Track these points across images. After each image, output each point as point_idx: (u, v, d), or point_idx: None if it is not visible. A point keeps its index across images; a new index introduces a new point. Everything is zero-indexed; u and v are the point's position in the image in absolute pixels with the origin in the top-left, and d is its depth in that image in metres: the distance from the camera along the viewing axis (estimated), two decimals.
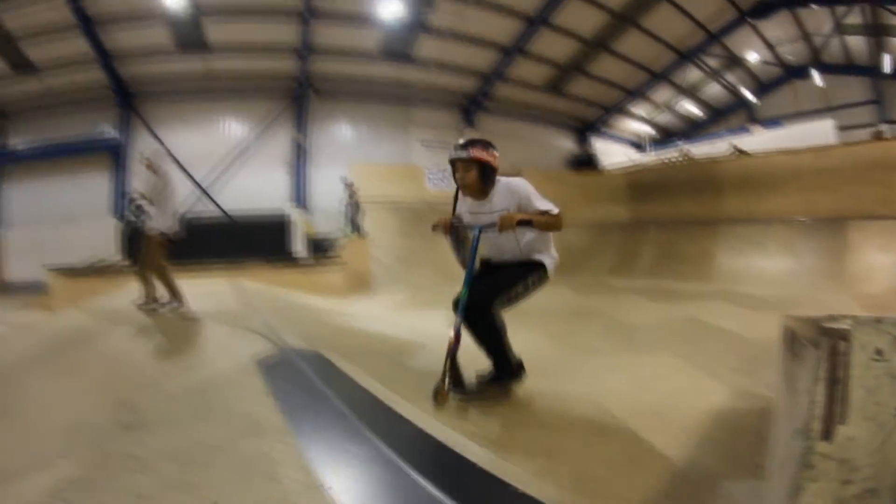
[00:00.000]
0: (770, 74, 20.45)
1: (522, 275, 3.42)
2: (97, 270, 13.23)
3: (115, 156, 16.35)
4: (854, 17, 16.06)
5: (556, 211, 3.36)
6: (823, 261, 8.84)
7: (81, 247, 14.45)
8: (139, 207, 7.22)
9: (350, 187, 12.95)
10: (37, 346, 5.62)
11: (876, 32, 16.34)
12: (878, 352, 1.16)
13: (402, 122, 16.96)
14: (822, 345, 1.19)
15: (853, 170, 9.43)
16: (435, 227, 3.66)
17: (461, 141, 3.31)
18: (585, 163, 19.28)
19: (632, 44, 17.23)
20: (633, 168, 15.92)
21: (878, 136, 12.79)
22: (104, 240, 15.22)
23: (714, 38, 17.87)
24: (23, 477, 2.51)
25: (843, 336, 1.16)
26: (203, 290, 7.92)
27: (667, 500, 2.26)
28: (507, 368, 3.40)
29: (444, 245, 12.02)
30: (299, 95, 16.22)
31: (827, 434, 1.15)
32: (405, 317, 7.84)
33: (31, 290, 13.62)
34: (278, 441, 2.47)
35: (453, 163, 3.30)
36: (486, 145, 3.30)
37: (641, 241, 12.29)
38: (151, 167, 6.13)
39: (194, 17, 14.11)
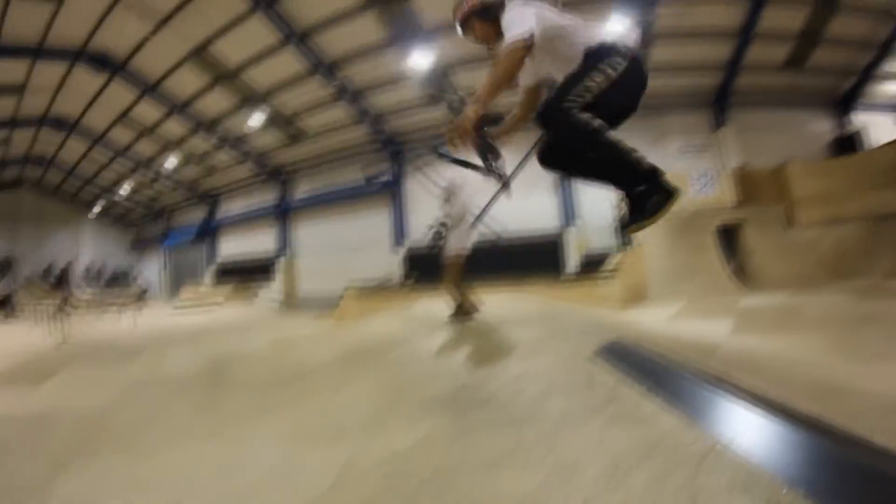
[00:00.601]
0: None
1: (575, 79, 2.76)
2: (384, 289, 16.71)
3: (391, 195, 20.65)
4: None
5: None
6: None
7: (363, 271, 18.58)
8: (437, 232, 7.73)
9: (619, 201, 13.09)
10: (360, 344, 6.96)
11: None
12: None
13: (655, 132, 17.08)
14: None
15: None
16: (457, 135, 2.80)
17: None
18: (850, 143, 17.26)
19: None
20: None
21: None
22: (385, 264, 19.21)
23: None
24: (392, 431, 3.34)
25: None
26: (494, 301, 8.99)
27: None
28: (641, 173, 2.81)
29: (712, 254, 12.38)
30: None
31: None
32: (688, 324, 8.26)
33: (320, 305, 17.74)
34: (643, 399, 2.96)
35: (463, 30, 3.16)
36: None
37: None
38: (448, 193, 7.52)
39: (442, 72, 16.78)
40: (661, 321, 9.01)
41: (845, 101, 18.56)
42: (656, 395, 3.08)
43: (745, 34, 15.43)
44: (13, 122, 22.10)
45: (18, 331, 13.29)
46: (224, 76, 18.35)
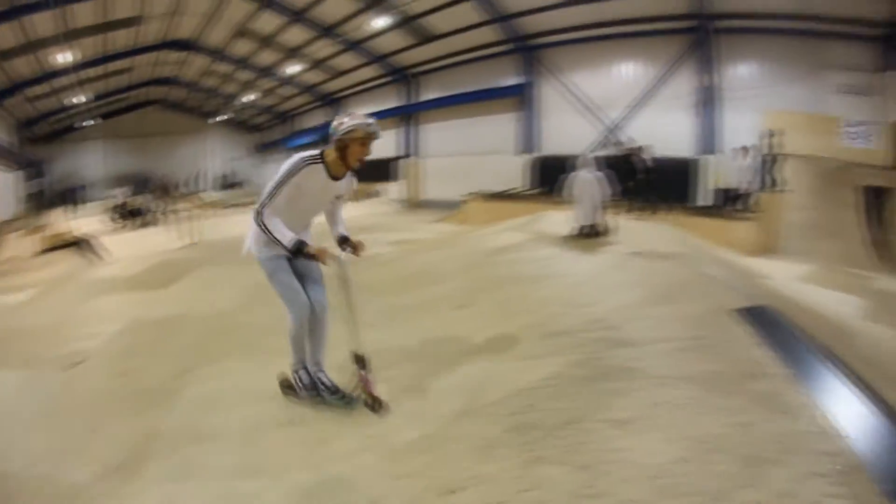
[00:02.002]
0: None
1: None
2: (509, 196, 16.59)
3: (521, 99, 19.69)
4: None
5: None
6: None
7: (489, 177, 18.37)
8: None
9: (770, 135, 12.06)
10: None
11: None
12: None
13: (814, 62, 14.48)
14: None
15: None
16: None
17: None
18: None
19: None
20: None
21: None
22: (512, 171, 18.84)
23: None
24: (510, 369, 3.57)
25: None
26: (631, 227, 9.04)
27: None
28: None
29: (858, 218, 11.21)
30: (700, 35, 15.94)
31: None
32: (819, 293, 7.67)
33: (446, 208, 17.94)
34: (790, 387, 2.88)
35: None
36: None
37: None
38: None
39: None
40: (792, 280, 8.50)
41: None
42: (802, 383, 2.98)
43: None
44: (136, 51, 23.30)
45: (153, 235, 14.51)
46: None
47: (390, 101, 25.74)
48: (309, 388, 3.48)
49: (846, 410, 2.80)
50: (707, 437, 2.47)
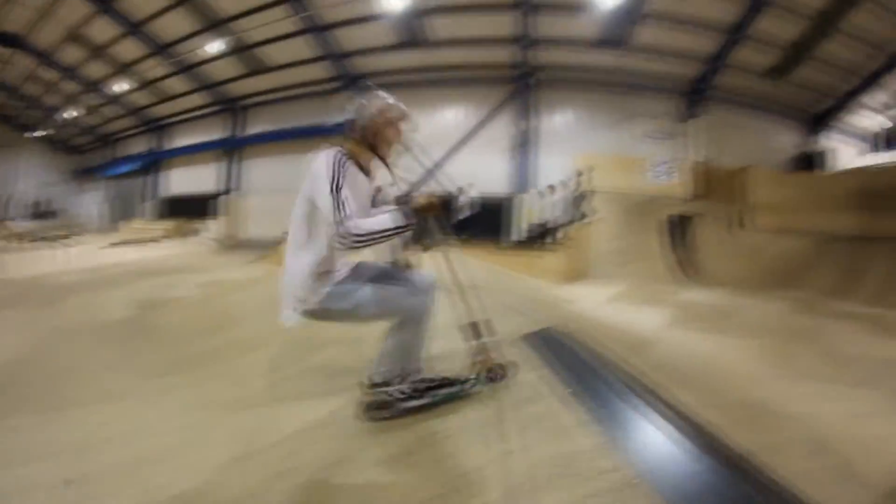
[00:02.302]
0: None
1: None
2: None
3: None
4: None
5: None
6: None
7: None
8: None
9: (577, 175, 13.37)
10: None
11: None
12: None
13: (624, 111, 16.95)
14: None
15: None
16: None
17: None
18: (810, 161, 17.78)
19: (870, 19, 14.56)
20: (865, 170, 14.62)
21: None
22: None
23: None
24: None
25: None
26: (435, 262, 9.17)
27: None
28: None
29: (661, 242, 12.57)
30: (523, 83, 17.37)
31: None
32: (627, 311, 8.14)
33: (264, 247, 17.12)
34: (564, 407, 2.85)
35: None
36: None
37: (870, 260, 11.30)
38: None
39: (416, 16, 15.99)
40: (600, 302, 8.95)
41: (817, 121, 18.86)
42: (581, 401, 2.92)
43: (737, 32, 15.23)
44: None
45: None
46: None
47: (215, 132, 24.06)
48: (418, 395, 2.88)
49: (625, 424, 2.79)
50: (472, 470, 2.33)
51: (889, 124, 18.79)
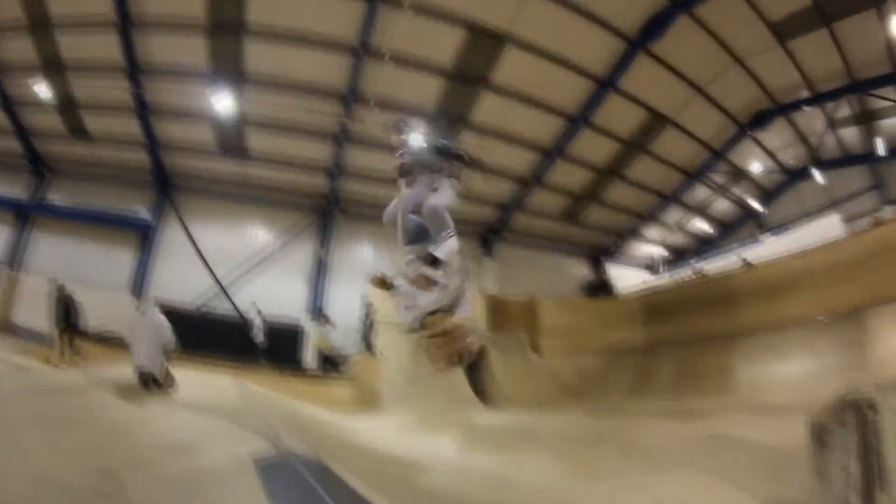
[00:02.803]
0: (774, 181, 20.79)
1: None
2: (103, 339, 13.52)
3: (143, 236, 17.08)
4: (843, 110, 16.83)
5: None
6: (846, 355, 8.40)
7: (92, 313, 14.58)
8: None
9: (368, 306, 13.08)
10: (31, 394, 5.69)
11: (866, 119, 17.01)
12: None
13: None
14: (849, 417, 1.15)
15: (863, 259, 9.24)
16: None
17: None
18: (600, 288, 19.39)
19: (642, 169, 17.90)
20: (646, 290, 15.88)
21: (878, 222, 12.48)
22: (116, 312, 15.44)
23: (718, 154, 18.50)
24: None
25: (870, 404, 1.15)
26: (208, 383, 8.26)
27: None
28: None
29: (456, 371, 12.17)
30: (326, 212, 17.06)
31: (868, 499, 1.10)
32: (412, 438, 7.67)
33: (36, 339, 13.65)
34: None
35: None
36: None
37: (658, 362, 12.01)
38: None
39: (238, 125, 15.37)
40: (387, 430, 8.38)
41: (603, 253, 21.11)
42: None
43: (531, 181, 16.90)
44: None
45: None
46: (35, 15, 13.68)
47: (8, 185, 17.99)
48: None
49: None
50: None
51: (664, 252, 21.94)
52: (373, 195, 16.40)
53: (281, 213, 17.37)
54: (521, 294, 16.42)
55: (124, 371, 7.56)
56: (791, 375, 9.09)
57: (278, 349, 14.07)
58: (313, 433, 6.54)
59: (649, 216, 20.40)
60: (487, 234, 18.46)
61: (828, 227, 13.89)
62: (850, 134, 18.01)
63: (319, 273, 16.65)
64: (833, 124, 17.47)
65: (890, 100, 15.54)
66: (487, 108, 15.26)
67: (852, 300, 8.95)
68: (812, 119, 17.58)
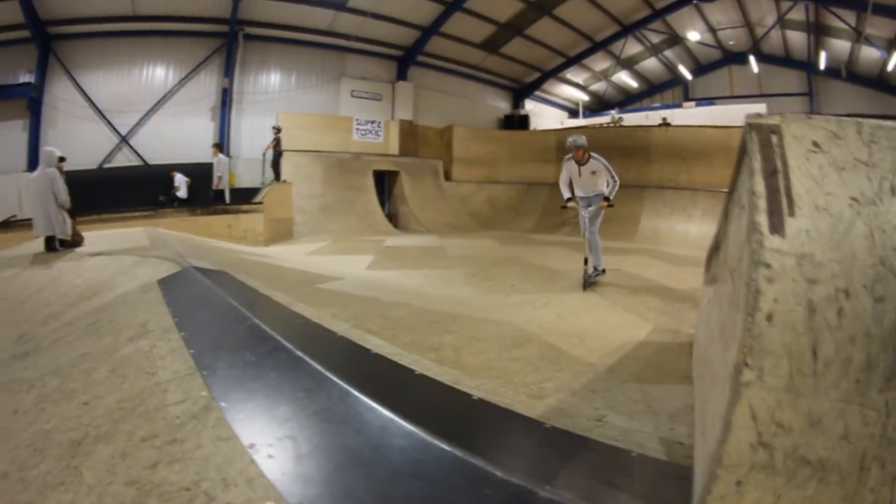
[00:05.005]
0: (708, 57, 20.73)
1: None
2: (7, 225, 12.48)
3: (31, 102, 14.98)
4: (797, 14, 16.44)
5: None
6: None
7: None
8: None
9: (276, 134, 12.60)
10: None
11: (816, 31, 16.82)
12: (815, 144, 1.11)
13: (334, 71, 16.11)
14: (752, 143, 1.13)
15: None
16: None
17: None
18: (518, 123, 19.25)
19: (576, 10, 17.05)
20: (562, 130, 15.90)
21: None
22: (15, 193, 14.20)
23: (658, 13, 18.04)
24: None
25: (774, 129, 1.13)
26: (118, 233, 8.03)
27: (577, 394, 2.26)
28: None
29: (368, 196, 12.71)
30: (229, 40, 15.20)
31: (776, 227, 1.04)
32: (324, 260, 7.64)
33: None
34: (162, 339, 2.50)
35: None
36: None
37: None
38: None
39: None
40: (298, 254, 8.29)
41: (524, 89, 20.69)
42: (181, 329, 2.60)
43: (454, 5, 15.60)
44: None
45: None
46: None
47: None
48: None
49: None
50: None
51: (586, 98, 21.87)
52: (278, 16, 14.98)
53: (179, 47, 15.40)
54: (438, 122, 16.31)
55: (32, 245, 7.23)
56: (692, 233, 9.88)
57: (190, 189, 13.29)
58: (221, 256, 6.42)
59: (576, 59, 19.81)
60: (405, 57, 17.30)
61: (753, 112, 14.16)
62: (797, 38, 17.73)
63: (225, 106, 15.28)
64: (783, 23, 17.05)
65: (845, 22, 15.11)
66: None
67: None
68: (763, 9, 17.07)
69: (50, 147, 8.05)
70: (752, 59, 18.23)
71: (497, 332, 3.29)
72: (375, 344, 2.73)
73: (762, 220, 1.05)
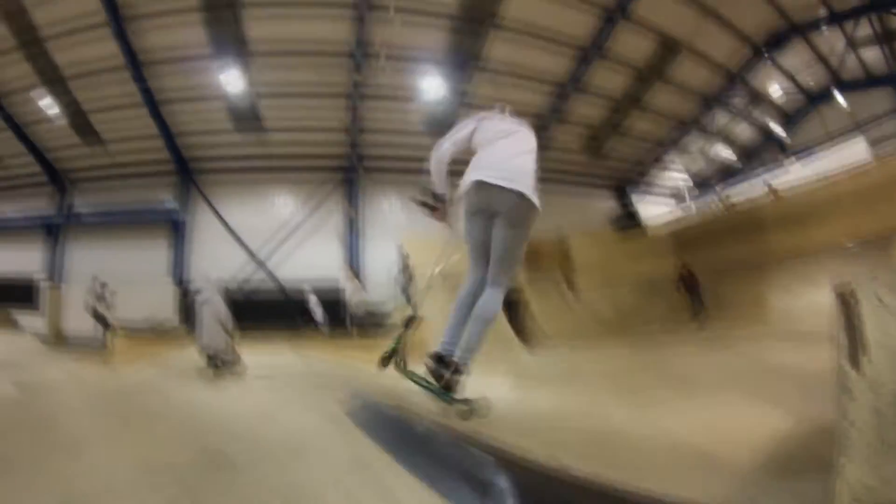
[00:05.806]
0: (795, 105, 20.37)
1: None
2: (156, 332, 14.04)
3: (174, 226, 17.40)
4: (864, 30, 16.22)
5: None
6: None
7: (138, 308, 15.23)
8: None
9: (404, 258, 12.98)
10: (112, 395, 5.90)
11: (888, 39, 16.33)
12: (879, 299, 1.54)
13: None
14: (837, 302, 1.63)
15: (891, 184, 9.25)
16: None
17: None
18: (628, 220, 19.52)
19: (660, 97, 17.81)
20: (674, 222, 15.97)
21: None
22: (162, 303, 16.14)
23: (736, 78, 18.28)
24: None
25: (851, 292, 1.60)
26: (271, 360, 8.45)
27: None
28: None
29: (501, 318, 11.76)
30: (350, 172, 17.24)
31: (854, 363, 1.52)
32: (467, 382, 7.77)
33: (88, 345, 14.30)
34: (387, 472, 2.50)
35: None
36: None
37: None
38: None
39: (249, 98, 15.60)
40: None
41: (627, 185, 21.11)
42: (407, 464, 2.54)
43: (550, 117, 16.78)
44: None
45: None
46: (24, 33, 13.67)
47: (34, 203, 18.90)
48: None
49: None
50: None
51: (689, 181, 21.83)
52: (392, 148, 16.61)
53: (305, 179, 17.55)
54: (550, 232, 16.45)
55: (188, 358, 7.81)
56: (822, 303, 8.97)
57: (330, 313, 14.40)
58: (380, 388, 6.74)
59: (671, 144, 20.24)
60: None
61: (853, 151, 13.72)
62: (872, 54, 17.18)
63: (351, 233, 16.88)
64: (853, 44, 16.77)
65: None
66: (497, 47, 15.17)
67: (879, 227, 8.89)
68: (832, 39, 16.99)
69: (214, 274, 9.42)
70: (836, 93, 17.85)
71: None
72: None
73: (845, 363, 1.54)
